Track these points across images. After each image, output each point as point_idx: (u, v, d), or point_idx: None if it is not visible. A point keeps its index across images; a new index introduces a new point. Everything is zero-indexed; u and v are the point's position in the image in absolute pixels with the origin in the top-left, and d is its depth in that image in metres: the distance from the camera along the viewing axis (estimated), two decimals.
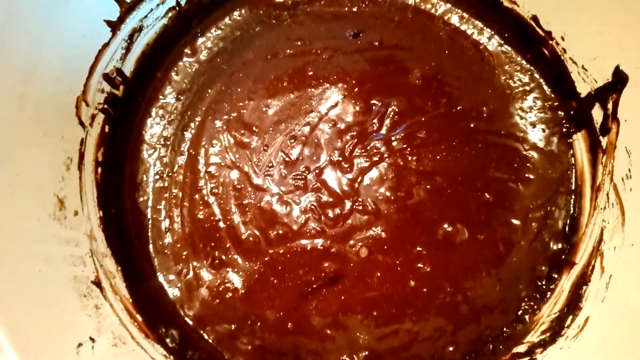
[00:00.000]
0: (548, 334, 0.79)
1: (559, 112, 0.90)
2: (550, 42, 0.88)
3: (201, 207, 0.89)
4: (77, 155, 0.82)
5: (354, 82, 0.92)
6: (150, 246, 0.88)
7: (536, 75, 0.92)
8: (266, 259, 0.85)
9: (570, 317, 0.78)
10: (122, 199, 0.90)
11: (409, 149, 0.88)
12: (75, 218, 0.79)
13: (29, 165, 0.71)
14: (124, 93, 0.91)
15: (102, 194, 0.86)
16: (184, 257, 0.87)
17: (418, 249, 0.83)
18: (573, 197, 0.87)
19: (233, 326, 0.84)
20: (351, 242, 0.84)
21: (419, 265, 0.83)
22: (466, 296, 0.82)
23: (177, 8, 0.96)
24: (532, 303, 0.84)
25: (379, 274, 0.83)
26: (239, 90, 0.93)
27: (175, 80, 0.96)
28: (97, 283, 0.78)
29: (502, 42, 0.95)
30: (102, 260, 0.81)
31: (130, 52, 0.92)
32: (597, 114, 0.82)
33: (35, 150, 0.73)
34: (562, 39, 0.86)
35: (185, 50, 0.98)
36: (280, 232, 0.86)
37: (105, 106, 0.88)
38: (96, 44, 0.85)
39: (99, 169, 0.87)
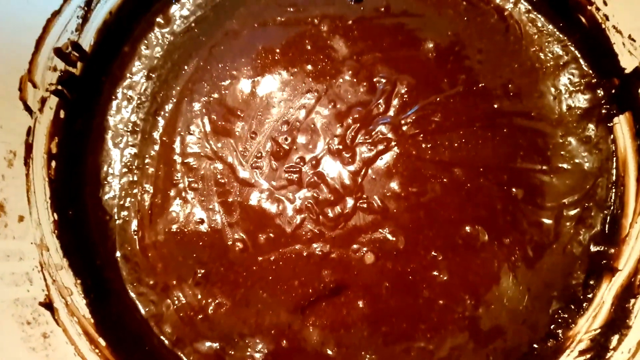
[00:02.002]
0: (588, 356, 0.73)
1: (598, 91, 0.82)
2: (589, 7, 0.80)
3: (178, 205, 0.82)
4: (22, 148, 0.74)
5: (355, 56, 0.84)
6: (118, 253, 0.81)
7: (571, 47, 0.84)
8: (255, 268, 0.78)
9: (617, 336, 0.71)
10: (82, 197, 0.83)
11: (421, 135, 0.80)
12: (20, 225, 0.70)
13: None
14: (82, 71, 0.83)
15: (56, 193, 0.79)
16: (159, 266, 0.80)
17: (433, 254, 0.77)
18: (614, 191, 0.79)
19: (217, 345, 0.78)
20: (355, 246, 0.78)
21: (434, 273, 0.77)
22: (489, 309, 0.77)
23: None
24: (565, 315, 0.77)
25: (387, 284, 0.77)
26: (220, 66, 0.86)
27: (145, 55, 0.88)
28: (47, 304, 0.70)
29: (531, 7, 0.86)
30: (55, 274, 0.74)
31: (89, 22, 0.81)
32: None
33: None
34: (605, 3, 0.77)
35: (157, 20, 0.89)
36: (272, 235, 0.79)
37: (59, 87, 0.79)
38: (44, 11, 0.75)
39: (53, 163, 0.79)
